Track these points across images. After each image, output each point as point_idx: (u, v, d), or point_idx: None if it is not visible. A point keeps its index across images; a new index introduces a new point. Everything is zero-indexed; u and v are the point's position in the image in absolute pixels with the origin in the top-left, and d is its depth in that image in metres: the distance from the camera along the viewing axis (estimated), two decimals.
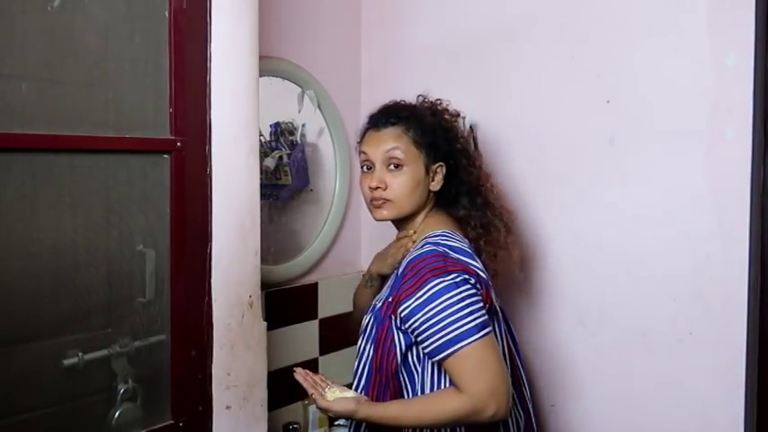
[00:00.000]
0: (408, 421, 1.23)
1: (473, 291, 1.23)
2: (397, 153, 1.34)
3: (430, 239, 1.32)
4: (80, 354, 1.11)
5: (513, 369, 1.37)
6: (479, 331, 1.19)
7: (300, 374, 1.37)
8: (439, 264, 1.24)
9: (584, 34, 1.60)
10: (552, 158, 1.66)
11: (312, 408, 1.80)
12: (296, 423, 1.78)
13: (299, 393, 1.82)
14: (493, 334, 1.24)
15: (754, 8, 1.36)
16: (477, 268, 1.28)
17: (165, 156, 1.20)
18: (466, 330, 1.19)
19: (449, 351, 1.19)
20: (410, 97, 1.45)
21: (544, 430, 1.70)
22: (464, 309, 1.20)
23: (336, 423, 1.86)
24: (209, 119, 1.23)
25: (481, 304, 1.24)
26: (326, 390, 1.32)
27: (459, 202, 1.39)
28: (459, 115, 1.48)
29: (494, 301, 1.32)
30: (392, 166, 1.35)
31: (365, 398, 1.32)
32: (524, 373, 1.44)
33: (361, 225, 2.07)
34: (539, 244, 1.68)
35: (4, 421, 1.04)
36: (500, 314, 1.36)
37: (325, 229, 1.94)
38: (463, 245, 1.32)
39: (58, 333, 1.11)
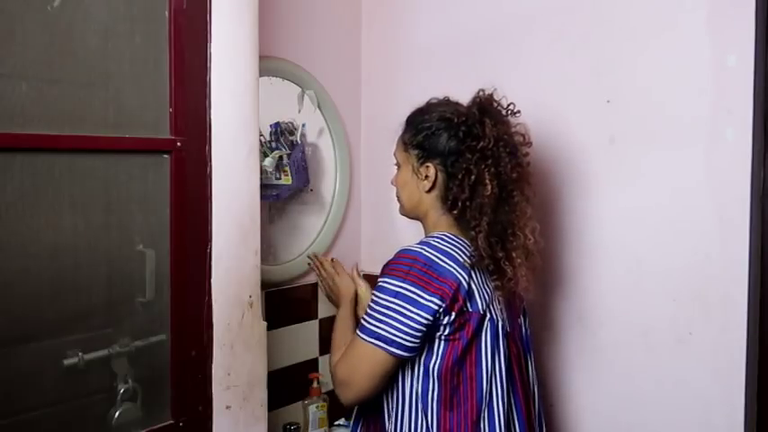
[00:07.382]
0: (332, 339, 1.47)
1: (406, 307, 1.23)
2: (395, 154, 1.44)
3: (425, 238, 1.34)
4: (80, 354, 1.11)
5: (513, 379, 1.33)
6: (371, 337, 1.25)
7: (314, 262, 1.76)
8: (402, 267, 1.26)
9: (584, 34, 1.60)
10: (552, 158, 1.66)
11: (312, 408, 1.80)
12: (296, 423, 1.78)
13: (299, 393, 1.82)
14: (386, 354, 1.23)
15: (754, 8, 1.36)
16: (458, 278, 1.25)
17: (165, 156, 1.20)
18: (366, 327, 1.27)
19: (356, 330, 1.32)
20: (409, 97, 1.44)
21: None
22: (380, 314, 1.25)
23: (336, 423, 1.86)
24: (209, 119, 1.23)
25: (406, 323, 1.22)
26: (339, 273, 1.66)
27: (465, 214, 1.31)
28: (509, 113, 1.40)
29: (480, 308, 1.27)
30: (395, 167, 1.44)
31: (350, 309, 1.55)
32: (534, 375, 1.45)
33: (361, 225, 2.07)
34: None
35: (4, 421, 1.04)
36: (498, 321, 1.30)
37: (325, 229, 1.94)
38: (456, 251, 1.29)
39: (58, 333, 1.11)
